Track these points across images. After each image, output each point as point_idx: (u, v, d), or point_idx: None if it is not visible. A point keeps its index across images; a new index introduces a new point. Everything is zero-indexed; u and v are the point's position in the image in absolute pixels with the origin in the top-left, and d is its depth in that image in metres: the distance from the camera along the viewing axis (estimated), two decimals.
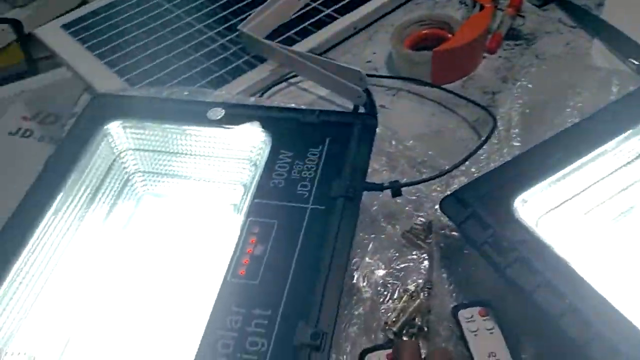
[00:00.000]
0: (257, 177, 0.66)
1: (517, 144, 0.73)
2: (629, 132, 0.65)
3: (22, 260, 0.61)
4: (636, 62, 0.86)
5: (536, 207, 0.62)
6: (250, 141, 0.72)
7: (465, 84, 0.90)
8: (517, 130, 0.75)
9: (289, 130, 0.71)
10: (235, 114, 0.74)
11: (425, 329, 0.61)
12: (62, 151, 0.73)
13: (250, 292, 0.56)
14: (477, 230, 0.59)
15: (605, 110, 0.67)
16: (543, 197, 0.62)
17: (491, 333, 0.58)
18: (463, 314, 0.60)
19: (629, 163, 0.67)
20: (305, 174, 0.65)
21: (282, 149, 0.68)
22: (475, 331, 0.58)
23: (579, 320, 0.51)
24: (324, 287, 0.55)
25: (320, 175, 0.65)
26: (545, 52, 0.92)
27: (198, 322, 0.59)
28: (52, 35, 1.08)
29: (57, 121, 1.35)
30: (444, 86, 0.87)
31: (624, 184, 0.67)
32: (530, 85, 0.82)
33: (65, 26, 1.10)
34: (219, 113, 0.74)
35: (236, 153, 0.73)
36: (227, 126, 0.72)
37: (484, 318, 0.59)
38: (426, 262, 0.67)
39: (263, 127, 0.71)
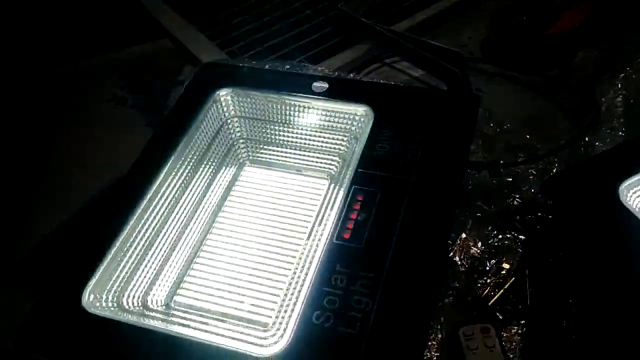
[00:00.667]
0: (360, 149, 0.69)
1: (621, 133, 0.72)
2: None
3: (139, 215, 0.66)
4: None
5: None
6: (353, 115, 0.75)
7: (562, 74, 0.89)
8: (617, 120, 0.74)
9: (392, 106, 0.73)
10: (339, 88, 0.77)
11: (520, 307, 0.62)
12: (174, 115, 0.78)
13: (354, 255, 0.59)
14: (580, 213, 0.60)
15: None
16: None
17: (491, 351, 0.58)
18: (464, 331, 0.60)
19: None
20: (407, 148, 0.68)
21: (385, 123, 0.71)
22: (475, 349, 0.58)
23: None
24: (426, 258, 0.58)
25: (423, 151, 0.67)
26: None
27: (301, 280, 0.63)
28: (156, 6, 1.14)
29: (151, 92, 1.43)
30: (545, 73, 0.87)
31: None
32: (629, 80, 0.82)
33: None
34: (323, 86, 0.77)
35: (338, 125, 0.76)
36: (332, 99, 0.75)
37: (485, 335, 0.59)
38: (518, 243, 0.67)
39: (366, 102, 0.74)
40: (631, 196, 0.60)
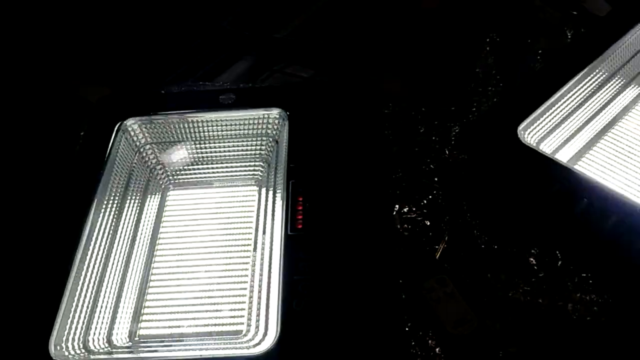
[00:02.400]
0: (283, 146, 0.72)
1: (500, 86, 0.83)
2: (589, 66, 0.76)
3: (80, 261, 0.63)
4: (575, 13, 0.99)
5: (536, 131, 0.71)
6: (266, 119, 0.77)
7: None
8: (495, 73, 0.85)
9: (301, 102, 0.76)
10: (246, 96, 0.79)
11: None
12: (84, 154, 0.74)
13: (310, 241, 0.62)
14: (491, 158, 0.69)
15: (568, 49, 0.79)
16: (540, 122, 0.72)
17: (452, 297, 0.63)
18: (424, 286, 0.65)
19: (596, 90, 0.78)
20: (328, 135, 0.71)
21: (299, 118, 0.74)
22: (438, 299, 0.64)
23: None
24: (378, 229, 0.62)
25: (343, 134, 0.71)
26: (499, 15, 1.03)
27: (265, 278, 0.64)
28: None
29: None
30: None
31: (597, 108, 0.79)
32: (492, 45, 0.94)
33: None
34: (230, 97, 0.79)
35: (255, 132, 0.78)
36: (242, 108, 0.77)
37: (442, 285, 0.64)
38: (445, 200, 0.74)
39: (277, 104, 0.77)
40: (528, 134, 0.70)
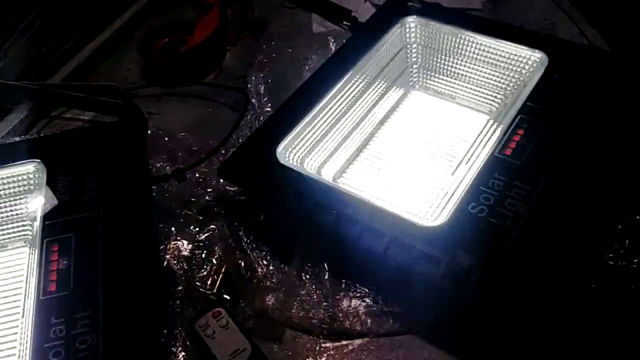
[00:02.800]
0: (39, 202, 0.68)
1: (269, 109, 0.84)
2: (346, 76, 0.79)
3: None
4: (347, 24, 1.04)
5: (296, 151, 0.73)
6: (25, 174, 0.73)
7: (218, 76, 0.99)
8: (265, 100, 0.86)
9: (62, 153, 0.73)
10: (2, 153, 0.74)
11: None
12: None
13: (65, 302, 0.59)
14: (254, 184, 0.69)
15: (327, 63, 0.82)
16: (299, 141, 0.74)
17: (227, 329, 0.63)
18: (199, 323, 0.64)
19: (357, 98, 0.82)
20: (88, 184, 0.69)
21: (59, 170, 0.71)
22: (213, 334, 0.63)
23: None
24: (141, 278, 0.61)
25: (104, 181, 0.69)
26: (276, 32, 1.06)
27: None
28: None
29: None
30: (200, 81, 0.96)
31: (361, 115, 0.83)
32: (267, 61, 0.96)
33: None
34: None
35: (14, 190, 0.73)
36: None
37: (218, 318, 0.64)
38: (222, 231, 0.74)
39: (32, 157, 0.73)
40: (288, 155, 0.71)
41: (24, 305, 0.68)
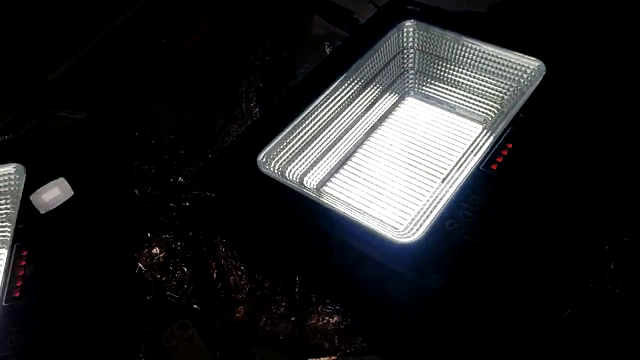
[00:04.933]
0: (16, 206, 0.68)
1: (257, 114, 0.82)
2: (337, 81, 0.77)
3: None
4: (348, 26, 1.00)
5: (278, 158, 0.71)
6: (6, 174, 0.73)
7: (210, 78, 0.97)
8: (253, 104, 0.85)
9: (42, 155, 0.73)
10: None
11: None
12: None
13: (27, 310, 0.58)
14: (232, 193, 0.67)
15: (318, 67, 0.79)
16: (281, 149, 0.72)
17: (191, 342, 0.62)
18: (164, 335, 0.63)
19: (349, 103, 0.80)
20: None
21: (39, 173, 0.71)
22: (176, 346, 0.62)
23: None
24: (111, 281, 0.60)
25: (84, 185, 0.68)
26: (272, 35, 1.03)
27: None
28: None
29: None
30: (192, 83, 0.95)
31: (351, 121, 0.80)
32: (258, 63, 0.94)
33: None
34: None
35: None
36: None
37: (184, 330, 0.63)
38: (202, 234, 0.73)
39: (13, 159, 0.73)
40: (268, 163, 0.69)
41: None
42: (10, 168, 0.72)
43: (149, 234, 0.72)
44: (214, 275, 0.68)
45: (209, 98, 0.92)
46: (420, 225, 0.61)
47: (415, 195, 0.73)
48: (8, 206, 0.74)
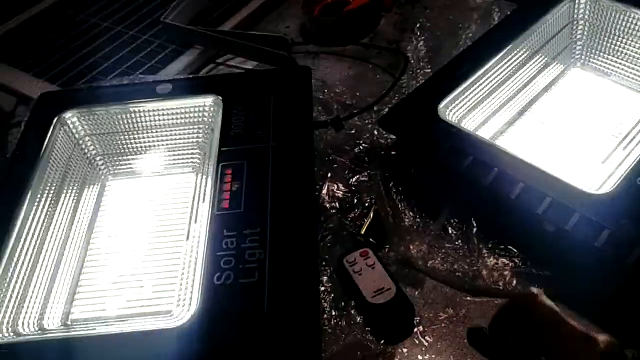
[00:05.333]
0: (217, 133, 0.75)
1: (429, 70, 0.86)
2: (510, 45, 0.80)
3: (12, 248, 0.65)
4: None
5: (457, 109, 0.75)
6: (202, 107, 0.80)
7: (372, 40, 1.03)
8: (424, 63, 0.88)
9: (236, 91, 0.79)
10: (183, 86, 0.82)
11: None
12: (22, 147, 0.77)
13: (237, 219, 0.65)
14: (414, 136, 0.72)
15: (492, 30, 0.83)
16: (461, 101, 0.75)
17: (373, 269, 0.67)
18: (347, 259, 0.68)
19: (518, 69, 0.82)
20: (260, 121, 0.75)
21: (234, 105, 0.77)
22: (360, 271, 0.67)
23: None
24: (301, 205, 0.65)
25: (274, 120, 0.75)
26: (430, 4, 1.07)
27: (193, 258, 0.67)
28: None
29: None
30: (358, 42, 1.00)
31: (519, 86, 0.82)
32: (425, 31, 0.97)
33: None
34: (167, 88, 0.82)
35: (191, 119, 0.81)
36: (178, 97, 0.80)
37: (365, 258, 0.68)
38: (373, 180, 0.77)
39: (212, 92, 0.80)
40: (448, 112, 0.73)
41: (190, 222, 0.75)
42: (209, 100, 0.79)
43: (328, 173, 0.77)
44: (390, 213, 0.72)
45: (372, 56, 0.97)
46: (608, 179, 0.63)
47: (597, 152, 0.74)
48: (200, 134, 0.81)
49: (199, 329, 0.56)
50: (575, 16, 0.86)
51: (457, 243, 0.69)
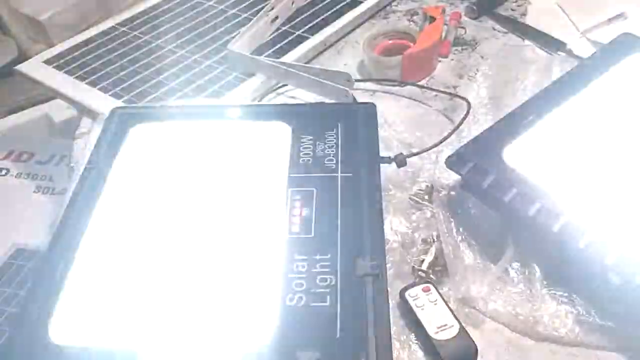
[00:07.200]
0: (287, 157, 0.77)
1: (490, 117, 0.88)
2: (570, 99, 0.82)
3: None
4: (561, 54, 1.06)
5: (525, 155, 0.77)
6: (272, 131, 0.82)
7: (429, 82, 1.06)
8: (485, 109, 0.91)
9: (304, 120, 0.82)
10: (251, 112, 0.85)
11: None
12: (94, 160, 0.80)
13: (308, 243, 0.66)
14: (479, 177, 0.73)
15: (557, 82, 0.85)
16: (529, 147, 0.77)
17: (435, 304, 0.68)
18: (409, 293, 0.70)
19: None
20: (328, 151, 0.77)
21: (302, 134, 0.80)
22: (422, 306, 0.68)
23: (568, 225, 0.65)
24: (369, 233, 0.67)
25: (342, 151, 0.77)
26: (487, 53, 1.10)
27: (260, 276, 0.67)
28: (38, 70, 1.13)
29: (32, 158, 1.38)
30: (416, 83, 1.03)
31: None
32: (482, 79, 1.00)
33: (48, 61, 1.15)
34: (236, 112, 0.84)
35: (259, 144, 0.83)
36: (247, 121, 0.83)
37: (427, 293, 0.69)
38: (434, 217, 0.79)
39: (280, 119, 0.82)
40: (513, 157, 0.75)
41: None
42: (278, 125, 0.81)
43: (390, 207, 0.79)
44: (451, 251, 0.73)
45: (428, 98, 1.00)
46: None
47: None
48: (269, 159, 0.82)
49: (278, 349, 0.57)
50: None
51: (518, 286, 0.70)
